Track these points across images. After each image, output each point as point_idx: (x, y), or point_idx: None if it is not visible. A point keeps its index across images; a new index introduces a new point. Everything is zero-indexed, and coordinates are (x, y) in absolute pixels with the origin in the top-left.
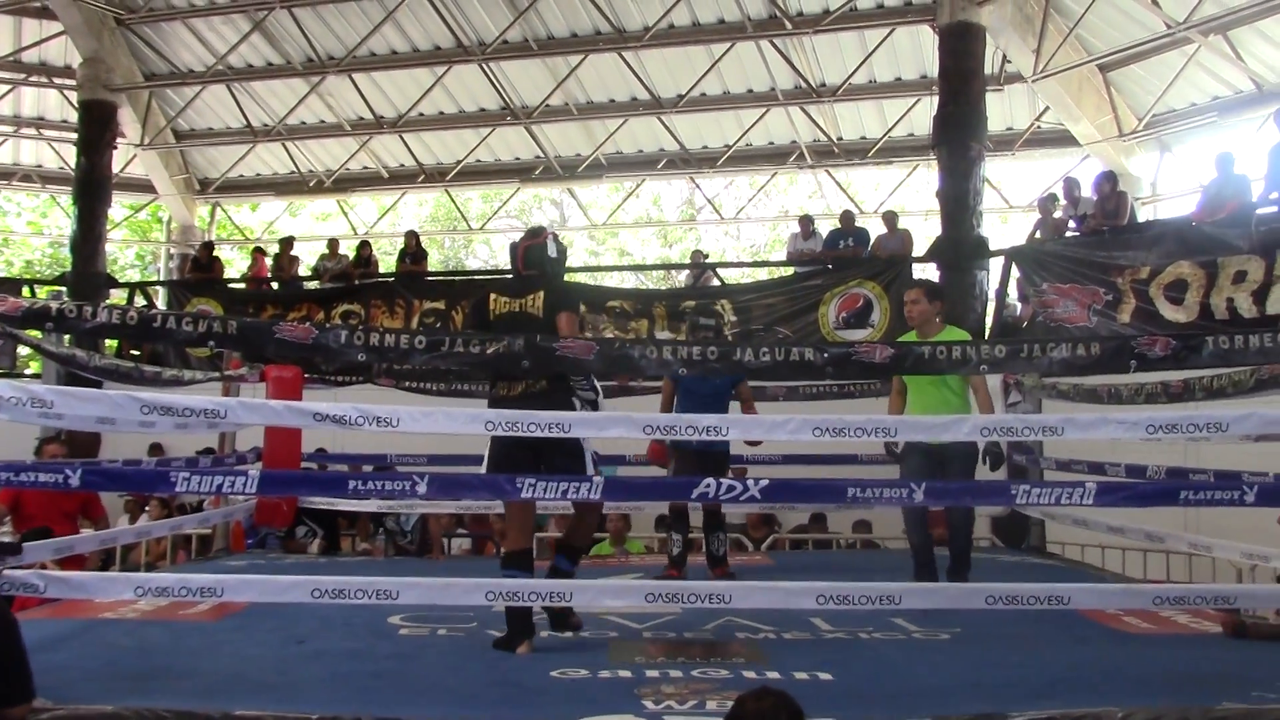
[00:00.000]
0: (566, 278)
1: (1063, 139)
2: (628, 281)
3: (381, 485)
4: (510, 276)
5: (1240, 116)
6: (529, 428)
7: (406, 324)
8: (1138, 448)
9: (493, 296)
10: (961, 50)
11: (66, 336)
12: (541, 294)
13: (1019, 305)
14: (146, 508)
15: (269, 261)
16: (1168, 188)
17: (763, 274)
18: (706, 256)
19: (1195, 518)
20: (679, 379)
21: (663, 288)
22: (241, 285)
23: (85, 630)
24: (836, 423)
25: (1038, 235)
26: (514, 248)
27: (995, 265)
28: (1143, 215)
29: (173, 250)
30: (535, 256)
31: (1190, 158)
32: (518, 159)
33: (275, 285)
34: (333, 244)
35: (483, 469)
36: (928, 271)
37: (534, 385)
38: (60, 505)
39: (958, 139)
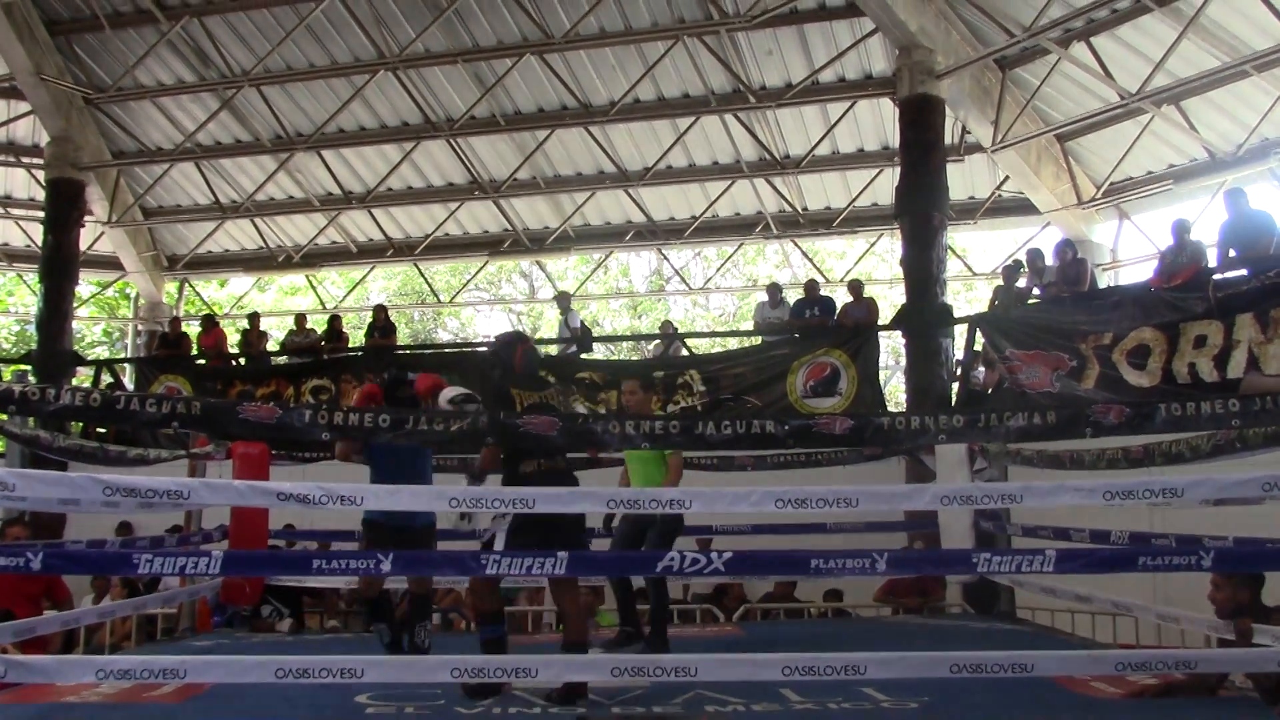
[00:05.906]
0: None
1: (1024, 207)
2: (597, 353)
3: (346, 564)
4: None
5: (1196, 183)
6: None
7: None
8: (1104, 512)
9: (514, 391)
10: (921, 122)
11: (31, 418)
12: (552, 390)
13: (982, 371)
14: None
15: (230, 335)
16: (1128, 254)
17: (732, 343)
18: (676, 327)
19: (1165, 583)
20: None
21: (633, 359)
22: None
23: (46, 715)
24: (799, 494)
25: (998, 303)
26: (510, 347)
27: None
28: (1104, 282)
29: (140, 327)
30: (534, 359)
31: (1150, 225)
32: (486, 232)
33: (243, 361)
34: (300, 319)
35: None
36: (893, 339)
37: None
38: (23, 588)
39: (920, 209)
